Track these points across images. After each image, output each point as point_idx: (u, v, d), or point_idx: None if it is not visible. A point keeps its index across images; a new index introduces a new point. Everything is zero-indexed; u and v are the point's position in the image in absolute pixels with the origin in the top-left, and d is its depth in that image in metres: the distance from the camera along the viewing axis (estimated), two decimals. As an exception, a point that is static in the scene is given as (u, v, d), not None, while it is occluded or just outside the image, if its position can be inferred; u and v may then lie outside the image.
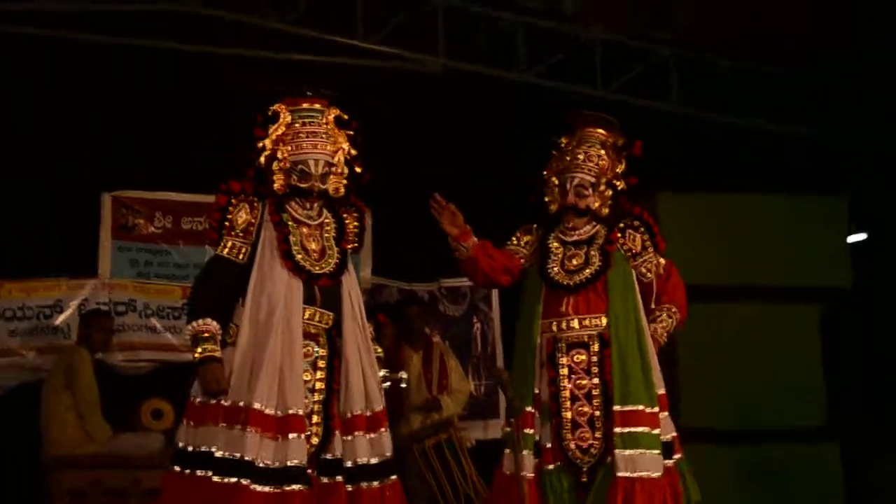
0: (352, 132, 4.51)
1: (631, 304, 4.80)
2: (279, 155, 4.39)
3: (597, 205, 4.85)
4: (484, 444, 7.17)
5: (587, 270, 4.78)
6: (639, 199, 7.75)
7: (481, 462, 6.47)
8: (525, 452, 4.64)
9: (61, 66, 7.38)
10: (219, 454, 4.14)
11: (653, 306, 4.89)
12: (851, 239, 8.64)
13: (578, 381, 4.70)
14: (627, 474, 4.54)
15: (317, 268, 4.39)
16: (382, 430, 4.39)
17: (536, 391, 4.76)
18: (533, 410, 4.72)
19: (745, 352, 7.76)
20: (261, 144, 4.40)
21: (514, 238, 5.03)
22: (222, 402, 4.19)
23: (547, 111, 8.67)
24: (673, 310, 4.93)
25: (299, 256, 4.36)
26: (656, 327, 4.86)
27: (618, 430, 4.60)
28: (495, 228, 8.15)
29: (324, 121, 4.46)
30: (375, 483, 4.32)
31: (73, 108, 7.35)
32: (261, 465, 4.13)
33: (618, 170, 4.90)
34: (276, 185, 4.39)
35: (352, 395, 4.36)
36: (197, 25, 7.59)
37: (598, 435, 4.64)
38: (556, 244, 4.88)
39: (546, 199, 4.93)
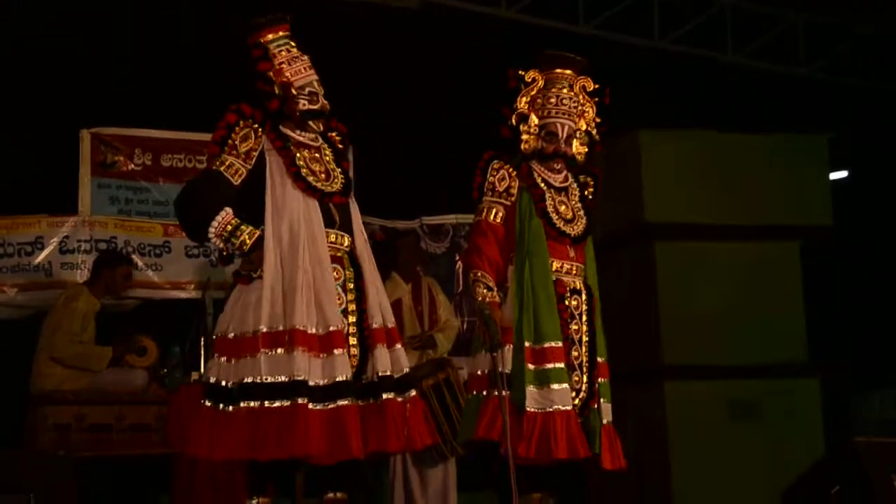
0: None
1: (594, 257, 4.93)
2: (284, 79, 4.42)
3: (578, 153, 4.87)
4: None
5: (580, 225, 4.83)
6: (620, 136, 7.83)
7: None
8: (565, 386, 4.61)
9: (37, 2, 7.29)
10: (268, 380, 4.16)
11: None
12: (833, 176, 8.66)
13: (576, 326, 4.76)
14: (608, 422, 4.74)
15: (328, 186, 4.43)
16: (398, 346, 4.45)
17: None
18: (558, 344, 4.70)
19: (727, 289, 7.79)
20: (271, 73, 4.43)
21: (487, 187, 4.84)
22: (262, 328, 4.21)
23: (528, 48, 8.66)
24: None
25: (311, 177, 4.39)
26: None
27: (601, 379, 4.77)
28: (475, 165, 8.19)
29: (294, 45, 4.51)
30: (399, 397, 4.34)
31: (50, 43, 7.28)
32: (313, 383, 4.17)
33: (592, 116, 4.90)
34: (293, 108, 4.42)
35: (371, 310, 4.42)
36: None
37: (585, 378, 4.72)
38: (544, 186, 4.85)
39: (522, 137, 4.87)
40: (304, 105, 4.44)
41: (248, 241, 4.28)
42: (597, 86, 4.92)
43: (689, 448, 7.44)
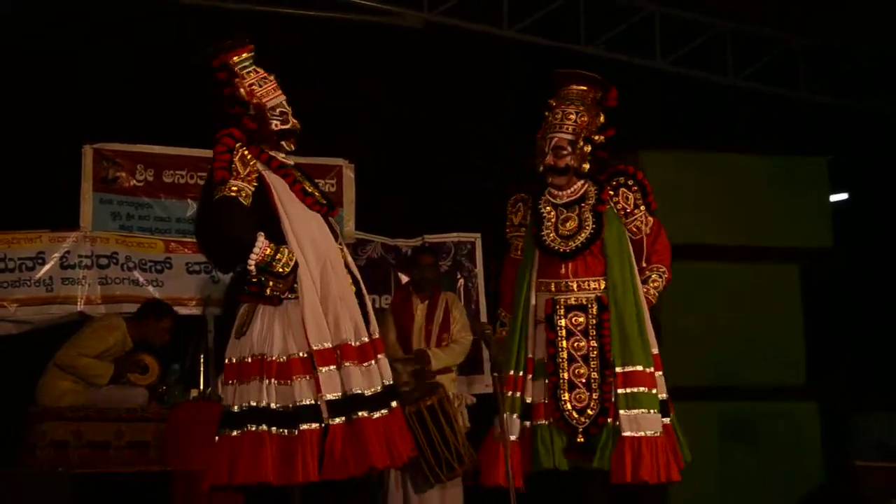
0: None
1: (627, 265, 4.86)
2: (256, 100, 4.45)
3: (575, 162, 4.86)
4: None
5: (582, 235, 4.81)
6: (620, 156, 7.83)
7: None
8: (512, 415, 4.68)
9: (41, 18, 7.31)
10: (329, 398, 4.20)
11: (643, 265, 4.92)
12: (833, 198, 8.67)
13: (576, 343, 4.74)
14: (632, 434, 4.60)
15: (323, 201, 4.49)
16: (371, 361, 4.37)
17: (530, 355, 4.81)
18: (518, 373, 4.76)
19: (726, 311, 7.79)
20: (243, 95, 4.47)
21: (507, 224, 5.10)
22: (315, 345, 4.23)
23: (530, 67, 8.68)
24: (662, 269, 4.99)
25: (310, 190, 4.45)
26: (648, 288, 4.92)
27: (620, 390, 4.67)
28: (477, 184, 8.20)
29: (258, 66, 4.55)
30: (368, 413, 4.27)
31: (53, 59, 7.30)
32: (368, 394, 4.27)
33: (596, 124, 4.92)
34: (269, 128, 4.46)
35: (372, 320, 4.47)
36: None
37: (595, 396, 4.68)
38: (548, 208, 4.91)
39: (536, 161, 4.95)
40: (276, 125, 4.47)
41: (289, 263, 4.27)
42: (602, 94, 4.95)
43: (685, 470, 7.41)
